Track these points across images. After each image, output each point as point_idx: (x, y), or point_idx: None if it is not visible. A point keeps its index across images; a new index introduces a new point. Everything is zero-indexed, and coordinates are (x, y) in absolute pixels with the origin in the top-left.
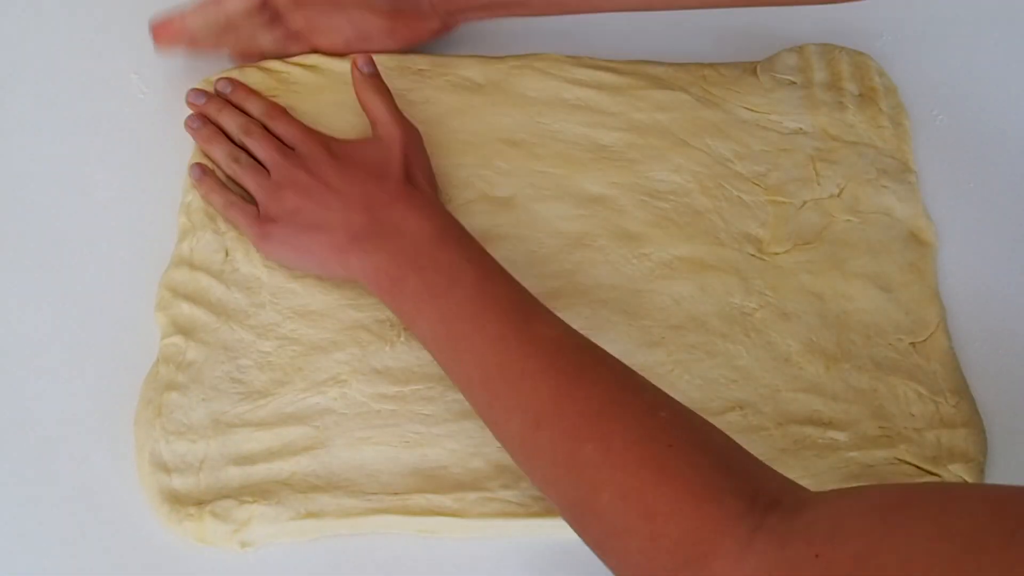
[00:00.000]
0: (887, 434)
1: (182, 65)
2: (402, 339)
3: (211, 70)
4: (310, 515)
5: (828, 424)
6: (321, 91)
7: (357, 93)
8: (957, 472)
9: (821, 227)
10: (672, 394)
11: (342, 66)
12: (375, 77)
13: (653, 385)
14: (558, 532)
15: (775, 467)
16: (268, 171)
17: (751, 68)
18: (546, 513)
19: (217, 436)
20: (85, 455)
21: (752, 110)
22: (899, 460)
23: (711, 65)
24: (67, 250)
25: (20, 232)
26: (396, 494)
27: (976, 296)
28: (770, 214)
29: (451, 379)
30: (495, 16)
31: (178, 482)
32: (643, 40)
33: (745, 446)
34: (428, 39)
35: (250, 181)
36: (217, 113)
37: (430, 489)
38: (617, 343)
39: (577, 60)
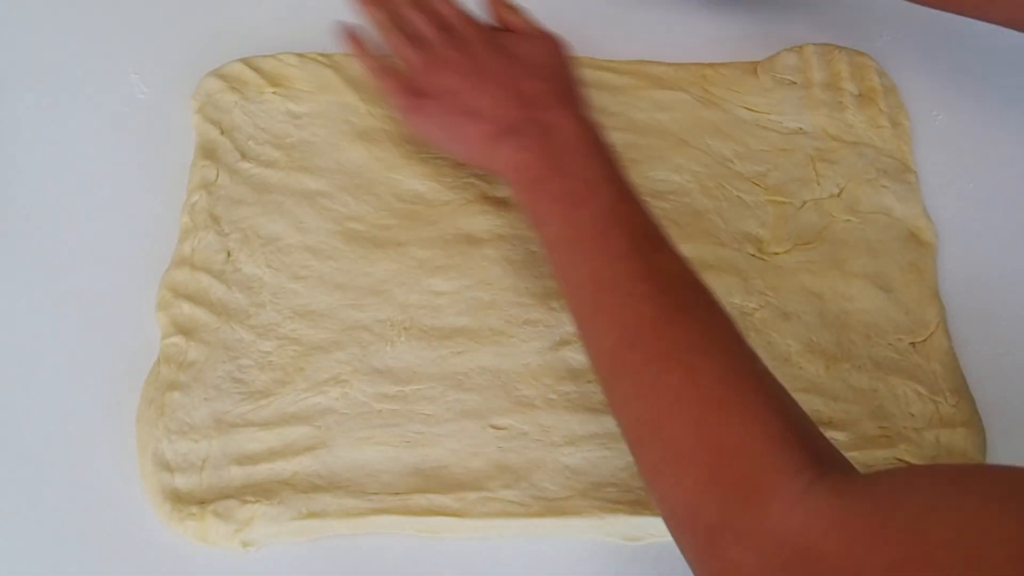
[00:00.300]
0: (887, 434)
1: (182, 65)
2: (402, 339)
3: (212, 67)
4: (312, 515)
5: (828, 424)
6: (323, 90)
7: (497, 16)
8: None
9: (821, 227)
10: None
11: (345, 65)
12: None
13: (748, 342)
14: (558, 532)
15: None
16: (431, 42)
17: (751, 68)
18: (546, 513)
19: (219, 436)
20: (86, 454)
21: (752, 110)
22: (899, 460)
23: (711, 65)
24: (67, 250)
25: (20, 232)
26: (397, 494)
27: (976, 296)
28: (770, 214)
29: (560, 283)
30: None
31: (180, 481)
32: (643, 40)
33: None
34: None
35: (409, 51)
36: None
37: (431, 489)
38: None
39: (577, 60)
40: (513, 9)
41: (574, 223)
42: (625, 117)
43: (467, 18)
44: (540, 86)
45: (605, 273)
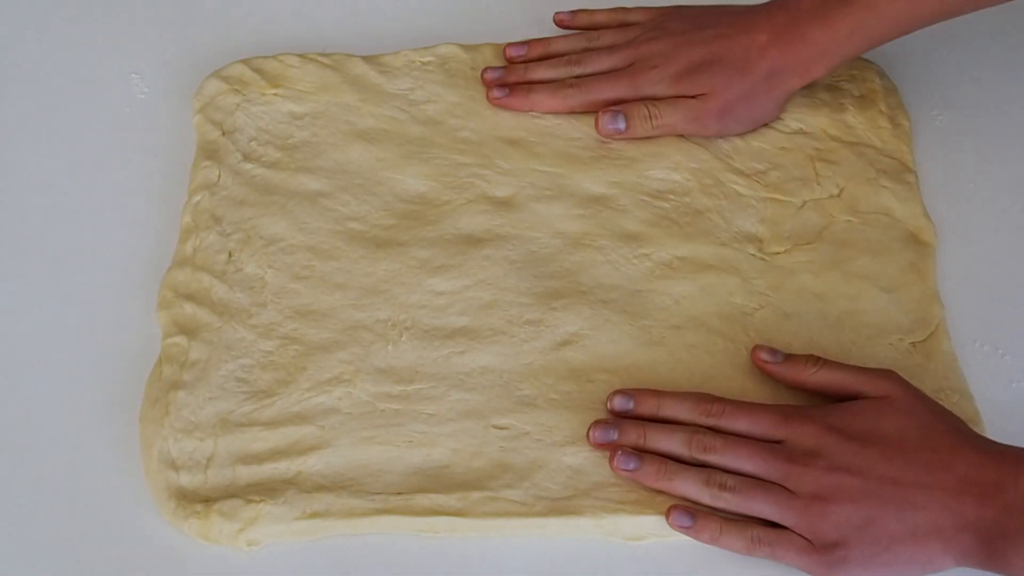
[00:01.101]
0: None
1: (183, 65)
2: (404, 338)
3: (212, 67)
4: (315, 515)
5: None
6: (324, 91)
7: (792, 384)
8: None
9: (821, 227)
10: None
11: (348, 64)
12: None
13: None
14: (560, 531)
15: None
16: (779, 483)
17: None
18: (548, 512)
19: (224, 435)
20: (87, 454)
21: None
22: None
23: None
24: (67, 250)
25: (21, 232)
26: (400, 494)
27: (976, 296)
28: (770, 213)
29: None
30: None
31: (186, 480)
32: None
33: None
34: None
35: (766, 504)
36: (640, 438)
37: (433, 489)
38: (617, 343)
39: None
40: (825, 365)
41: None
42: None
43: (800, 422)
44: (950, 460)
45: None
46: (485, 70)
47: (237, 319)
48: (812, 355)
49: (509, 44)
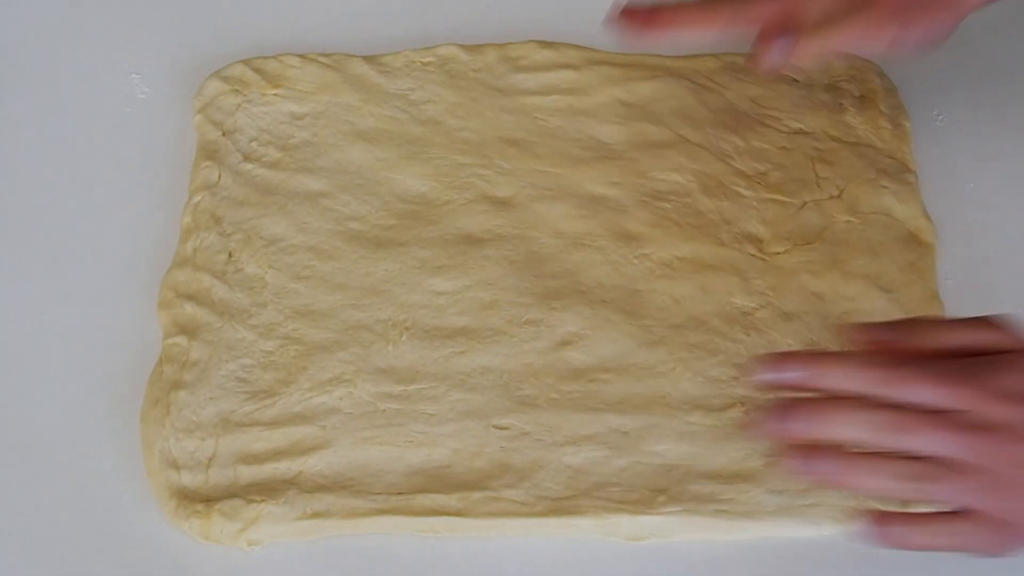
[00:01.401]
0: None
1: (183, 65)
2: (404, 338)
3: (212, 67)
4: (316, 515)
5: None
6: (325, 91)
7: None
8: None
9: (821, 227)
10: (673, 392)
11: (348, 64)
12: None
13: None
14: (560, 531)
15: (776, 465)
16: (962, 461)
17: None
18: (549, 512)
19: (226, 435)
20: (87, 454)
21: (753, 101)
22: None
23: (712, 55)
24: (68, 250)
25: (20, 232)
26: (400, 494)
27: (976, 296)
28: (771, 214)
29: None
30: None
31: (187, 479)
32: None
33: (747, 442)
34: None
35: (951, 490)
36: (812, 423)
37: (434, 489)
38: (617, 343)
39: (573, 51)
40: (931, 326)
41: None
42: (624, 108)
43: (964, 388)
44: None
45: None
46: (614, 10)
47: (237, 319)
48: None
49: None
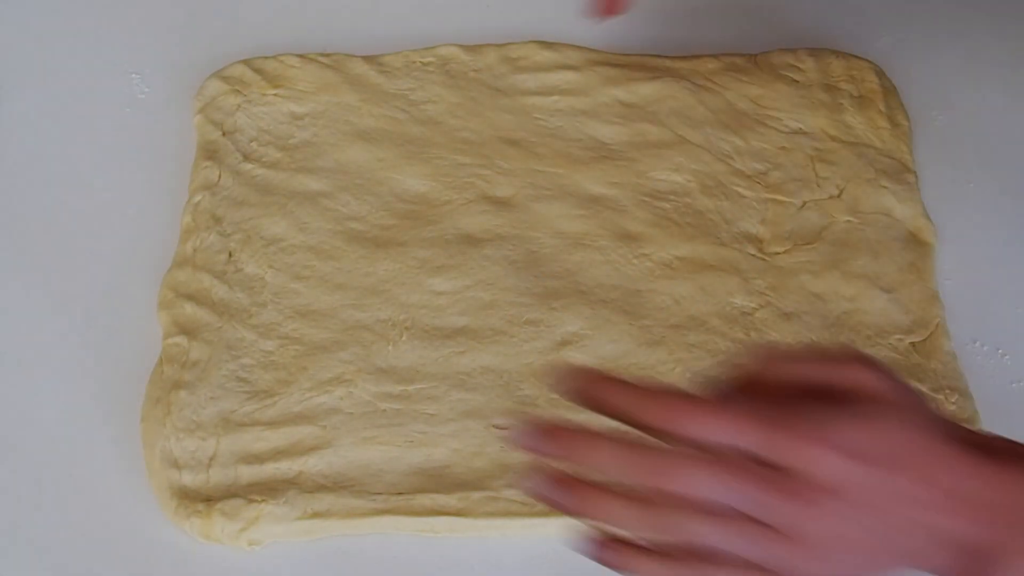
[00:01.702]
0: None
1: (183, 65)
2: (404, 338)
3: (212, 67)
4: (317, 515)
5: None
6: (324, 91)
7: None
8: None
9: (821, 227)
10: None
11: (348, 64)
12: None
13: None
14: (560, 531)
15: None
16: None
17: (751, 60)
18: (549, 512)
19: (227, 434)
20: (88, 453)
21: (752, 101)
22: None
23: (712, 56)
24: (68, 250)
25: (21, 232)
26: (401, 494)
27: (976, 296)
28: (771, 214)
29: None
30: None
31: (188, 479)
32: (641, 39)
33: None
34: None
35: (755, 550)
36: (569, 455)
37: (434, 489)
38: (617, 343)
39: (573, 51)
40: (795, 357)
41: None
42: (624, 109)
43: (759, 428)
44: (954, 471)
45: None
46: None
47: (237, 319)
48: (771, 344)
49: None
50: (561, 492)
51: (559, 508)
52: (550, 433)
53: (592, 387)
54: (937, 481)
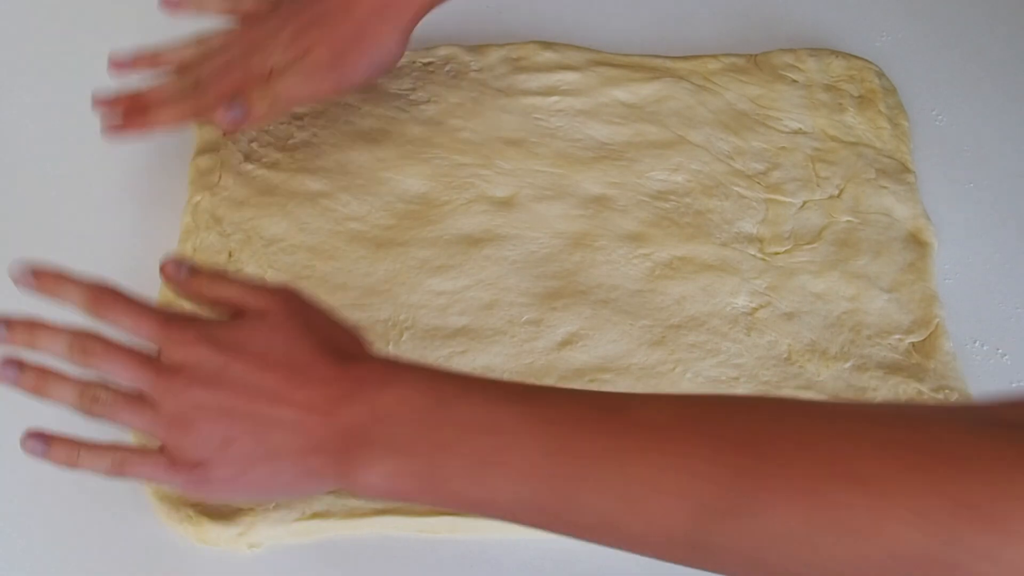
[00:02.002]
0: None
1: None
2: (404, 338)
3: None
4: (316, 516)
5: None
6: None
7: (189, 298)
8: None
9: (821, 227)
10: (673, 391)
11: None
12: (199, 277)
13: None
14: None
15: None
16: (149, 396)
17: (751, 60)
18: None
19: None
20: None
21: (752, 102)
22: None
23: (712, 56)
24: (67, 250)
25: (21, 232)
26: None
27: (976, 296)
28: (770, 214)
29: (571, 533)
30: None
31: None
32: (641, 38)
33: None
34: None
35: (133, 419)
36: (27, 341)
37: None
38: (617, 343)
39: (576, 52)
40: (218, 279)
41: (518, 474)
42: (624, 109)
43: (161, 327)
44: (315, 375)
45: (612, 475)
46: (95, 98)
47: None
48: (216, 270)
49: (112, 60)
50: (13, 370)
51: (16, 385)
52: (6, 323)
53: (55, 282)
54: (303, 382)
